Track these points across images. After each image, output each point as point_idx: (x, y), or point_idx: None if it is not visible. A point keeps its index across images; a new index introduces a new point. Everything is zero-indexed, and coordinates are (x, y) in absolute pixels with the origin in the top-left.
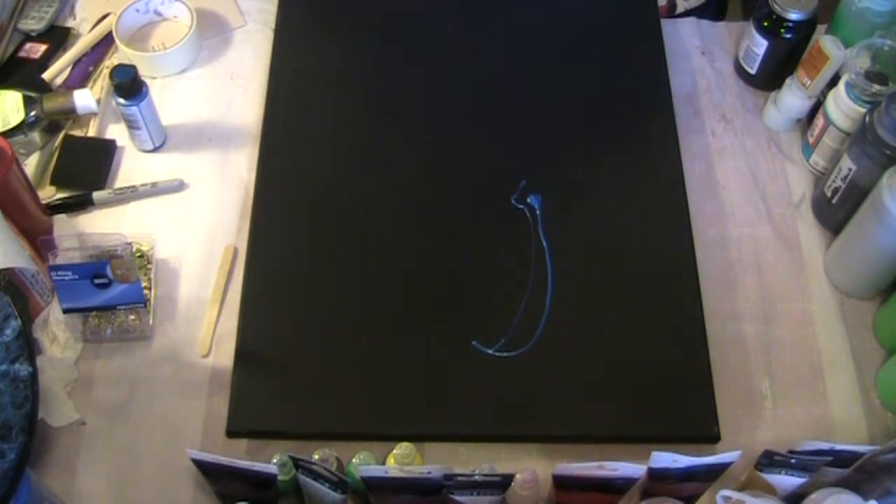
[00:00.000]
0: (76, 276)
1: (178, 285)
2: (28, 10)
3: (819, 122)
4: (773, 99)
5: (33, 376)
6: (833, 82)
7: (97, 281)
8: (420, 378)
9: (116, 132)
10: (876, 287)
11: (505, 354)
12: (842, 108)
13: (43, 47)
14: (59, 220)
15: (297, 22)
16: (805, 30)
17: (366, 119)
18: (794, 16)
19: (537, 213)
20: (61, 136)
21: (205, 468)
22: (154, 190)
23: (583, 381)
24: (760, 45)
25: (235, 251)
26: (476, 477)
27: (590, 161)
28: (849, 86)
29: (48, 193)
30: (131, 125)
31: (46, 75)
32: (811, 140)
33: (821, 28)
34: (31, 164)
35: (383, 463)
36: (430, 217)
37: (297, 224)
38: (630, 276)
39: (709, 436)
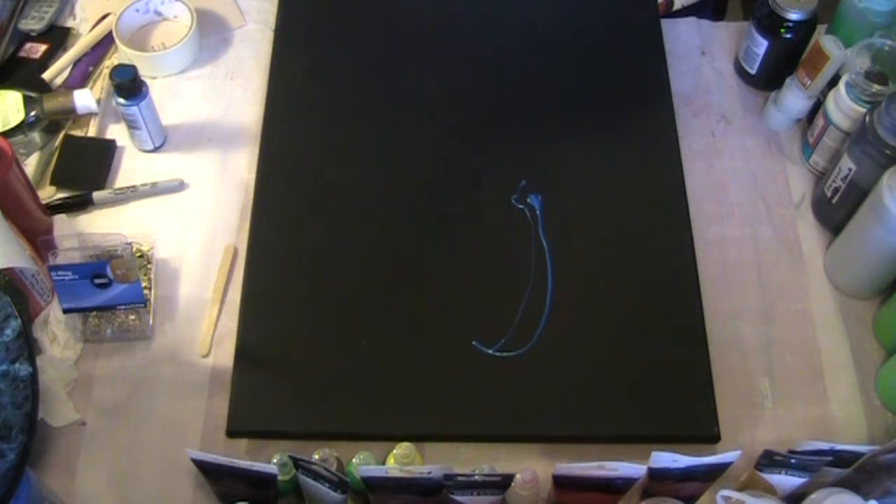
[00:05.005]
0: (76, 276)
1: (178, 285)
2: (28, 10)
3: (819, 122)
4: (773, 99)
5: (33, 376)
6: (833, 82)
7: (97, 281)
8: (420, 378)
9: (116, 132)
10: (876, 287)
11: (505, 354)
12: (842, 108)
13: (43, 47)
14: (59, 220)
15: (297, 22)
16: (805, 30)
17: (366, 119)
18: (794, 16)
19: (537, 213)
20: (61, 136)
21: (205, 468)
22: (154, 190)
23: (583, 381)
24: (760, 45)
25: (235, 251)
26: (476, 477)
27: (590, 161)
28: (849, 86)
29: (48, 193)
30: (131, 125)
31: (46, 75)
32: (811, 140)
33: (821, 28)
34: (31, 164)
35: (383, 463)
36: (430, 217)
37: (297, 224)
38: (630, 276)
39: (709, 436)
